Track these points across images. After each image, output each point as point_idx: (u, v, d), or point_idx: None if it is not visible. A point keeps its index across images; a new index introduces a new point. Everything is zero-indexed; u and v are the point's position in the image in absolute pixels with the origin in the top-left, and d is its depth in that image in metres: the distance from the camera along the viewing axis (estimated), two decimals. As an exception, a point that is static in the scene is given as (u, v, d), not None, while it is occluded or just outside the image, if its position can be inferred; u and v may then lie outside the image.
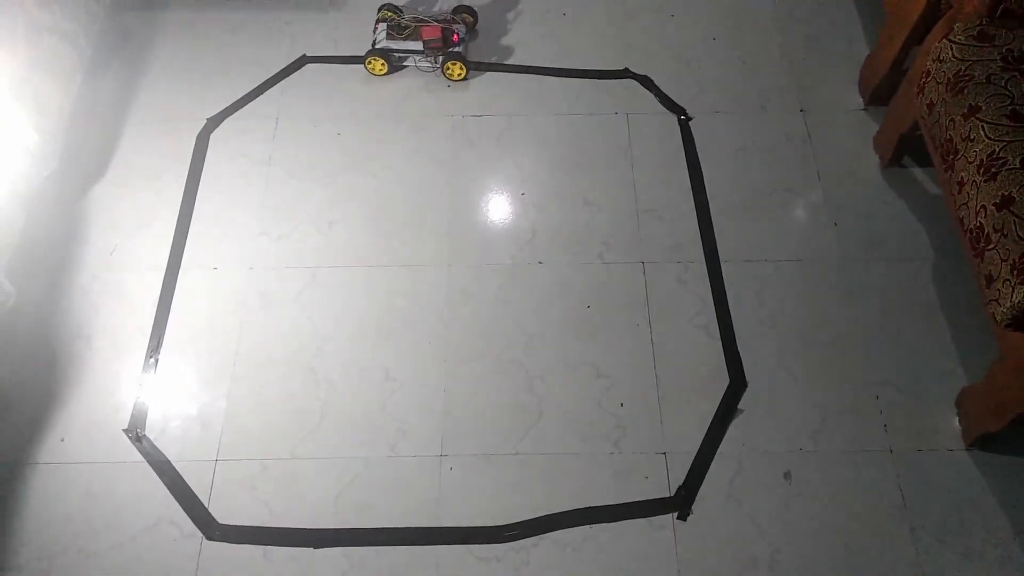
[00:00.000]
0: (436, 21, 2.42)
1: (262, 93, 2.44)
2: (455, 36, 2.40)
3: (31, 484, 1.83)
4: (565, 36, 2.53)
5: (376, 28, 2.45)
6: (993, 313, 1.58)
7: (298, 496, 1.81)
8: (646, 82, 2.42)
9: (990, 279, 1.57)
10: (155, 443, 1.88)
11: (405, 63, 2.46)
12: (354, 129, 2.35)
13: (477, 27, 2.55)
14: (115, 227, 2.19)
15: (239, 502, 1.80)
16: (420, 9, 2.56)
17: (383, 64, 2.41)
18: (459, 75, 2.43)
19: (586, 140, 2.31)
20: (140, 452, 1.87)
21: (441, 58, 2.42)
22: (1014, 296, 1.49)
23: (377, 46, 2.41)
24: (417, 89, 2.43)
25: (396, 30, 2.42)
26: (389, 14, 2.46)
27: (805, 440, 1.84)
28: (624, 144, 2.29)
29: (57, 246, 2.16)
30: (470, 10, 2.51)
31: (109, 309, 2.07)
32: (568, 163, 2.27)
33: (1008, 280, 1.51)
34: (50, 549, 1.76)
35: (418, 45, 2.40)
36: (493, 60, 2.48)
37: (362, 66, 2.46)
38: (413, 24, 2.42)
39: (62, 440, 1.89)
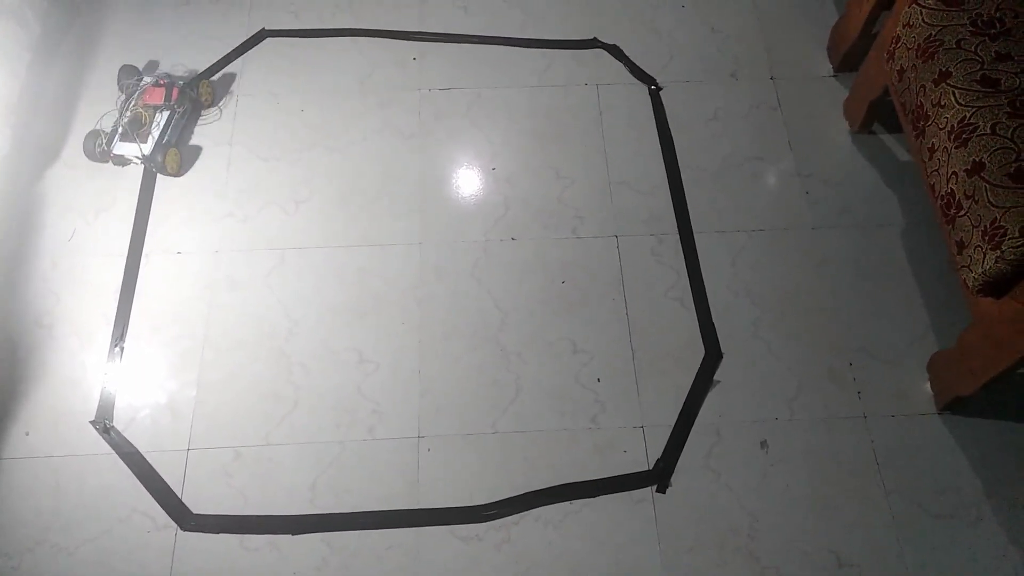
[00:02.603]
0: (136, 96, 2.20)
1: (221, 69, 2.36)
2: (162, 81, 2.21)
3: (-4, 480, 1.78)
4: (532, 5, 2.48)
5: (115, 154, 2.14)
6: (964, 279, 1.59)
7: (274, 483, 1.78)
8: (615, 52, 2.38)
9: (961, 245, 1.58)
10: (124, 434, 1.84)
11: (184, 131, 2.23)
12: (318, 104, 2.29)
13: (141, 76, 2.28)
14: (73, 211, 2.12)
15: (213, 491, 1.77)
16: (116, 106, 2.22)
17: (174, 152, 2.15)
18: (209, 91, 2.27)
19: (556, 112, 2.27)
20: (109, 443, 1.82)
21: (190, 96, 2.22)
22: (985, 262, 1.50)
23: (151, 150, 2.13)
24: (383, 62, 2.37)
25: (135, 126, 2.15)
26: (103, 133, 2.16)
27: (781, 409, 1.85)
28: (595, 115, 2.26)
29: (12, 232, 2.08)
30: (129, 68, 2.26)
31: (70, 297, 2.00)
32: (539, 136, 2.23)
33: (979, 246, 1.52)
34: (19, 545, 1.71)
35: (165, 112, 2.18)
36: (459, 32, 2.42)
37: (325, 40, 2.39)
38: (138, 110, 2.17)
39: (27, 434, 1.83)
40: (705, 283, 2.00)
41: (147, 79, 2.23)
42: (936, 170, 1.67)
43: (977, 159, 1.54)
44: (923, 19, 1.73)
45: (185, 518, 1.74)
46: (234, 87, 2.32)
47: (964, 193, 1.56)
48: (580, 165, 2.18)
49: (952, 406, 1.82)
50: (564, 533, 1.72)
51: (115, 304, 1.99)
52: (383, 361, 1.91)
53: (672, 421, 1.84)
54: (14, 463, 1.80)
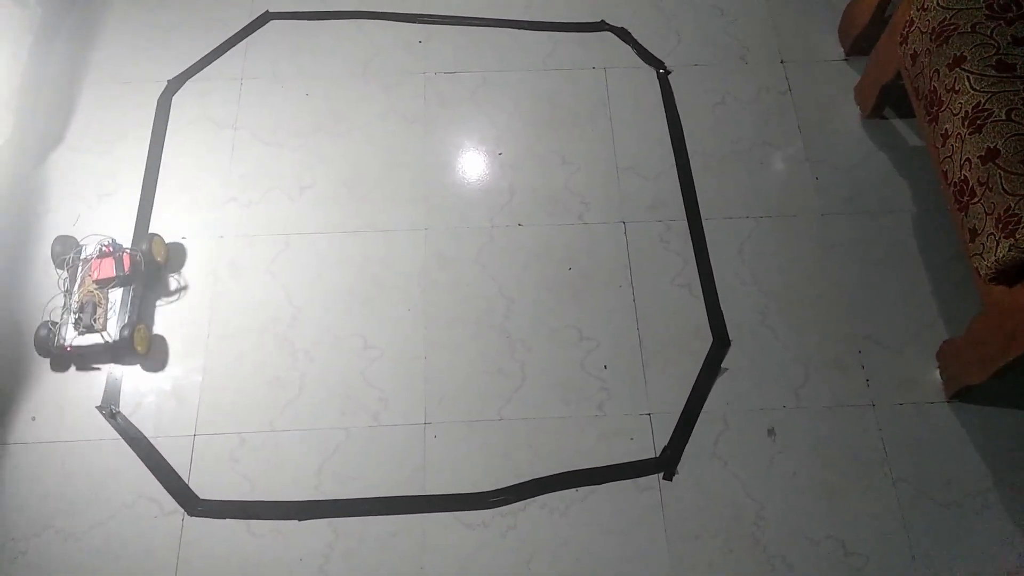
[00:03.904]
0: (82, 275, 1.88)
1: (224, 52, 2.33)
2: (107, 248, 1.90)
3: (3, 465, 1.78)
4: (539, -13, 2.44)
5: (73, 345, 1.82)
6: (977, 267, 1.57)
7: (280, 468, 1.78)
8: (623, 35, 2.35)
9: (974, 233, 1.56)
10: (130, 419, 1.83)
11: (144, 302, 1.92)
12: (323, 89, 2.27)
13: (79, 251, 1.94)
14: (77, 196, 2.11)
15: (220, 476, 1.77)
16: (60, 287, 1.91)
17: (142, 329, 1.85)
18: (162, 246, 1.97)
19: (563, 96, 2.25)
20: (115, 429, 1.82)
21: (144, 259, 1.92)
22: (998, 250, 1.48)
23: (116, 335, 1.82)
24: (387, 45, 2.34)
25: (89, 311, 1.83)
26: (53, 325, 1.84)
27: (788, 397, 1.84)
28: (602, 99, 2.24)
29: (16, 218, 2.07)
30: (65, 240, 1.93)
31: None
32: (545, 120, 2.21)
33: (993, 234, 1.50)
34: (26, 530, 1.72)
35: (115, 289, 1.87)
36: (465, 14, 2.39)
37: (329, 22, 2.37)
38: (89, 290, 1.85)
39: (33, 419, 1.83)
40: (713, 270, 1.99)
41: (89, 250, 1.90)
42: (949, 156, 1.64)
43: (992, 145, 1.52)
44: (938, 2, 1.70)
45: (192, 503, 1.74)
46: (238, 70, 2.30)
47: (978, 180, 1.54)
48: (587, 150, 2.16)
49: (961, 395, 1.81)
50: (570, 520, 1.72)
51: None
52: (388, 347, 1.90)
53: (679, 408, 1.83)
54: (21, 448, 1.80)
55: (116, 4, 2.42)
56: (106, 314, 1.85)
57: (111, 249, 1.90)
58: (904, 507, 1.72)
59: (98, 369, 1.86)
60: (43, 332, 1.83)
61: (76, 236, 1.97)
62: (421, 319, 1.94)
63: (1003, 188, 1.48)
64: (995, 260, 1.50)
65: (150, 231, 2.03)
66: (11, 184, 2.11)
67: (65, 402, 1.85)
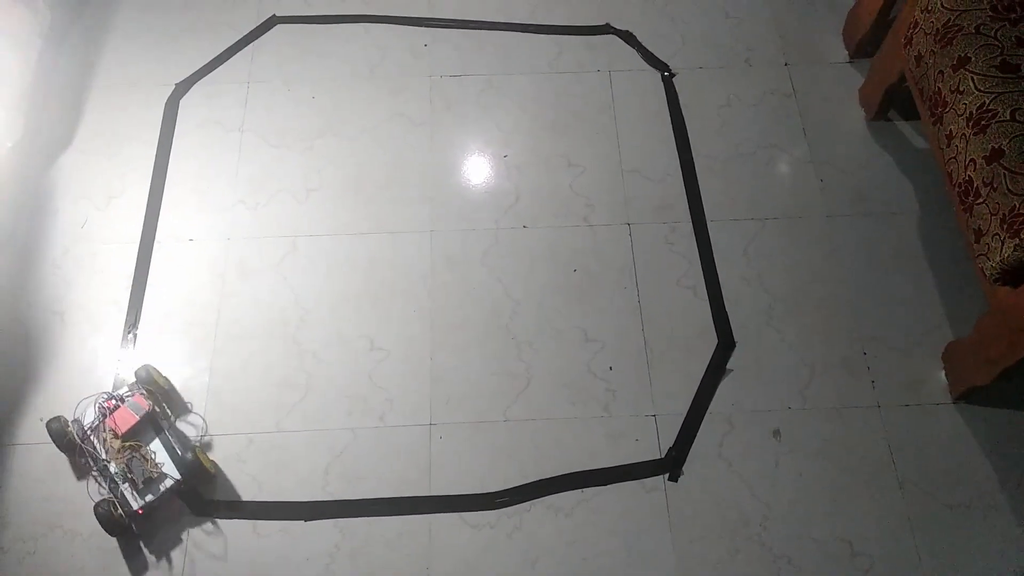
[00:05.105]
0: (106, 441, 1.71)
1: (232, 56, 2.35)
2: (108, 404, 1.73)
3: (11, 466, 1.79)
4: (544, -9, 2.46)
5: (143, 508, 1.66)
6: (982, 268, 1.57)
7: (287, 469, 1.78)
8: (628, 38, 2.36)
9: (979, 233, 1.56)
10: (137, 420, 1.84)
11: (197, 433, 1.81)
12: (329, 91, 2.28)
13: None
14: (85, 198, 2.12)
15: (227, 477, 1.78)
16: (92, 470, 1.73)
17: (200, 451, 1.73)
18: (159, 375, 1.83)
19: (568, 99, 2.26)
20: (122, 430, 1.83)
21: (153, 388, 1.79)
22: (1003, 250, 1.48)
23: (182, 470, 1.69)
24: (394, 48, 2.35)
25: (139, 467, 1.66)
26: (112, 502, 1.66)
27: (794, 398, 1.84)
28: (607, 102, 2.24)
29: (25, 220, 2.09)
30: (57, 420, 1.74)
31: (83, 284, 2.01)
32: (550, 123, 2.22)
33: (997, 234, 1.50)
34: (34, 530, 1.73)
35: (153, 431, 1.74)
36: (470, 18, 2.40)
37: (335, 26, 2.38)
38: (124, 450, 1.68)
39: (41, 420, 1.84)
40: (718, 271, 1.99)
41: (89, 418, 1.74)
42: (954, 157, 1.65)
43: (996, 146, 1.52)
44: (942, 3, 1.70)
45: (199, 504, 1.75)
46: (245, 74, 2.31)
47: (982, 180, 1.54)
48: (592, 153, 2.17)
49: (967, 396, 1.81)
50: (575, 521, 1.72)
51: (127, 291, 1.99)
52: (394, 349, 1.91)
53: (684, 410, 1.83)
54: (29, 448, 1.81)
55: (125, 8, 2.44)
56: (154, 459, 1.70)
57: (113, 403, 1.74)
58: (910, 508, 1.72)
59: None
60: (103, 510, 1.64)
61: (65, 415, 1.77)
62: (427, 320, 1.94)
63: (1008, 188, 1.48)
64: (1000, 260, 1.50)
65: (144, 364, 1.83)
66: (20, 186, 2.12)
67: (73, 403, 1.85)
